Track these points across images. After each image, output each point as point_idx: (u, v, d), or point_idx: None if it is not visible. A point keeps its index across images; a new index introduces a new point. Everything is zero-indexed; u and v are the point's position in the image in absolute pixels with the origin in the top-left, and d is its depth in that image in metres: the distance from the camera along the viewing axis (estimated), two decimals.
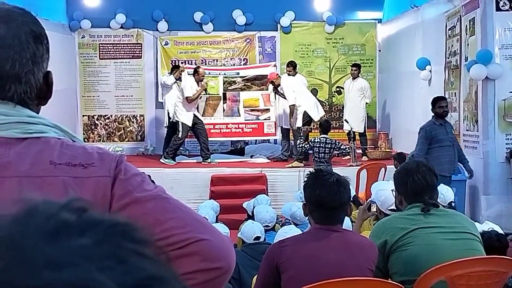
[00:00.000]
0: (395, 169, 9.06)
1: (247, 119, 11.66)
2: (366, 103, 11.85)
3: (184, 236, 1.27)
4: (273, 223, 5.86)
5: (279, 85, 11.00)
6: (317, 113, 10.93)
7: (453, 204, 5.71)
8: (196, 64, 12.97)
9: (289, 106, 10.82)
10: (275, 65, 12.17)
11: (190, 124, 10.96)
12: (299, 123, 10.92)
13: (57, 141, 1.32)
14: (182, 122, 10.92)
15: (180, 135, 11.01)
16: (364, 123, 11.77)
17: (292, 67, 11.57)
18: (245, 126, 11.66)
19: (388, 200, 4.32)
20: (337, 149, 9.94)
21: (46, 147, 1.29)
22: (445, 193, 5.72)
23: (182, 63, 12.78)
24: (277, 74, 11.23)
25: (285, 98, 10.94)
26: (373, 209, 4.50)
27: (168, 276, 0.57)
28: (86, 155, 1.32)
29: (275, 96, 11.36)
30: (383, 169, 9.51)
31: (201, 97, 11.34)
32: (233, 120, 11.66)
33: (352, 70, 11.95)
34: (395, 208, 4.12)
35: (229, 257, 1.31)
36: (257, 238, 4.89)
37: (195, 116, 11.01)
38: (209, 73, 11.82)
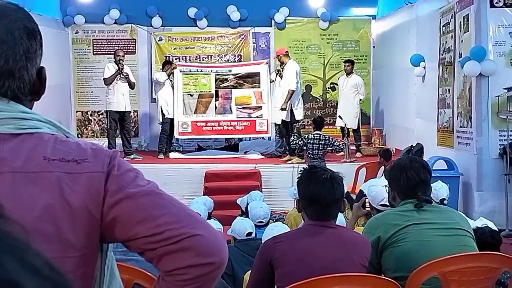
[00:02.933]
0: (380, 165, 9.08)
1: (239, 117, 11.65)
2: (360, 99, 11.86)
3: (177, 232, 1.28)
4: (267, 219, 5.85)
5: (283, 63, 10.90)
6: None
7: (445, 202, 5.68)
8: (190, 60, 12.96)
9: (289, 90, 10.70)
10: (267, 63, 12.11)
11: (121, 109, 11.09)
12: (299, 115, 10.91)
13: (50, 137, 1.32)
14: (109, 111, 11.12)
15: (109, 126, 11.23)
16: (358, 119, 11.78)
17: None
18: (237, 123, 11.65)
19: (378, 196, 4.33)
20: (330, 146, 9.96)
21: (40, 143, 1.30)
22: (439, 189, 5.69)
23: (176, 59, 12.76)
24: (286, 50, 11.15)
25: (281, 78, 10.84)
26: (367, 205, 4.51)
27: None
28: (79, 151, 1.33)
29: (276, 76, 11.16)
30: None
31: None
32: (225, 118, 11.65)
33: (345, 66, 11.95)
34: (386, 203, 4.13)
35: (222, 252, 1.32)
36: (249, 234, 4.89)
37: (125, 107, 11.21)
38: (201, 71, 11.79)
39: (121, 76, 11.02)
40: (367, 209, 4.52)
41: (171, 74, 11.51)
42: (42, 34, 1.40)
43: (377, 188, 4.32)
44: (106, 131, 11.38)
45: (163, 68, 11.70)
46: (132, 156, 11.06)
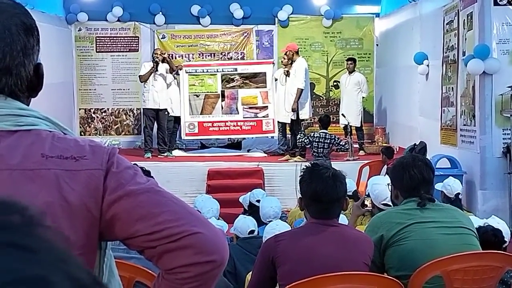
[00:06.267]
0: (383, 163, 9.09)
1: (245, 117, 11.62)
2: (363, 97, 11.84)
3: (177, 229, 1.27)
4: (277, 218, 5.75)
5: (292, 60, 10.70)
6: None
7: (460, 196, 5.75)
8: (193, 58, 12.95)
9: (298, 88, 10.51)
10: (273, 62, 12.05)
11: (155, 107, 11.00)
12: (305, 115, 10.84)
13: (48, 134, 1.31)
14: (144, 109, 11.14)
15: (145, 124, 11.24)
16: (361, 117, 11.76)
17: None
18: (243, 123, 11.61)
19: (382, 195, 4.32)
20: (336, 145, 9.98)
21: (37, 140, 1.29)
22: (452, 184, 5.78)
23: (179, 56, 12.73)
24: (298, 48, 11.12)
25: (288, 76, 10.69)
26: (367, 203, 4.49)
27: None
28: (77, 148, 1.32)
29: (284, 76, 10.88)
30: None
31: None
32: (231, 118, 11.61)
33: (347, 64, 11.92)
34: (388, 203, 4.12)
35: (222, 250, 1.31)
36: (252, 232, 4.88)
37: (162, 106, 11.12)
38: (207, 71, 11.75)
39: (156, 73, 11.01)
40: (366, 208, 4.51)
41: (177, 72, 11.36)
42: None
43: (380, 187, 4.31)
44: (143, 129, 11.39)
45: (162, 61, 11.42)
46: (165, 154, 11.03)
